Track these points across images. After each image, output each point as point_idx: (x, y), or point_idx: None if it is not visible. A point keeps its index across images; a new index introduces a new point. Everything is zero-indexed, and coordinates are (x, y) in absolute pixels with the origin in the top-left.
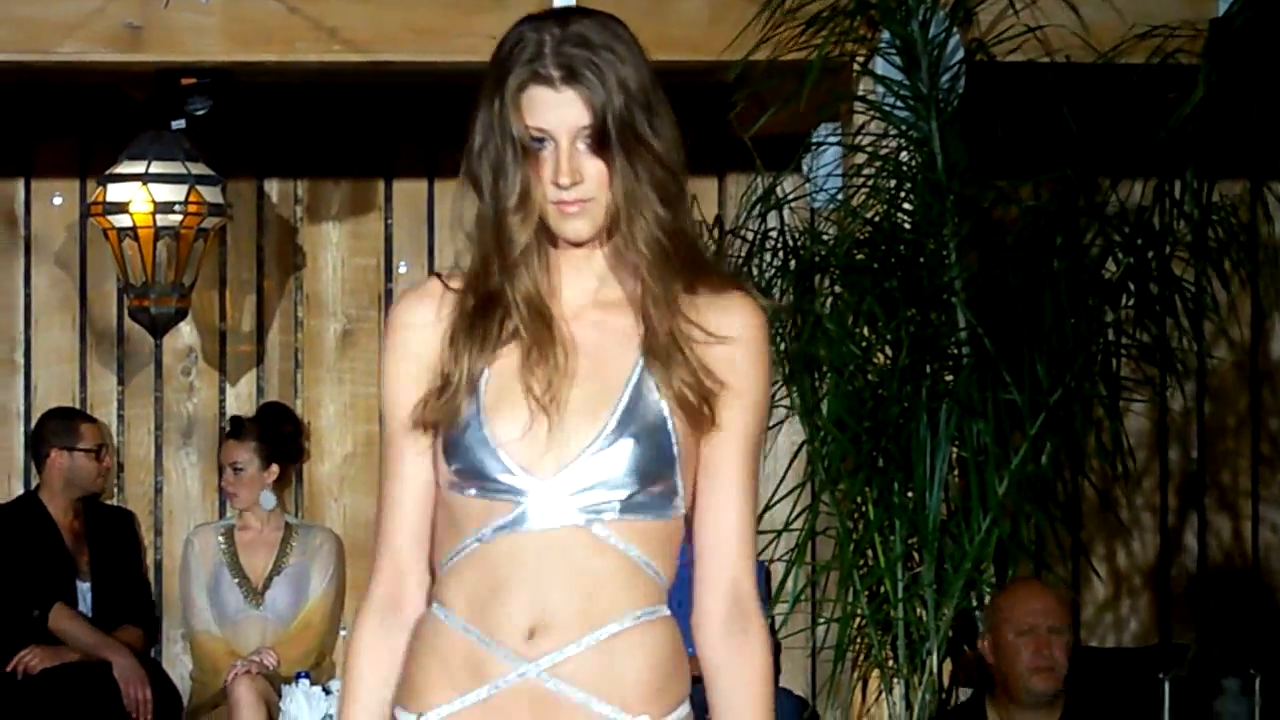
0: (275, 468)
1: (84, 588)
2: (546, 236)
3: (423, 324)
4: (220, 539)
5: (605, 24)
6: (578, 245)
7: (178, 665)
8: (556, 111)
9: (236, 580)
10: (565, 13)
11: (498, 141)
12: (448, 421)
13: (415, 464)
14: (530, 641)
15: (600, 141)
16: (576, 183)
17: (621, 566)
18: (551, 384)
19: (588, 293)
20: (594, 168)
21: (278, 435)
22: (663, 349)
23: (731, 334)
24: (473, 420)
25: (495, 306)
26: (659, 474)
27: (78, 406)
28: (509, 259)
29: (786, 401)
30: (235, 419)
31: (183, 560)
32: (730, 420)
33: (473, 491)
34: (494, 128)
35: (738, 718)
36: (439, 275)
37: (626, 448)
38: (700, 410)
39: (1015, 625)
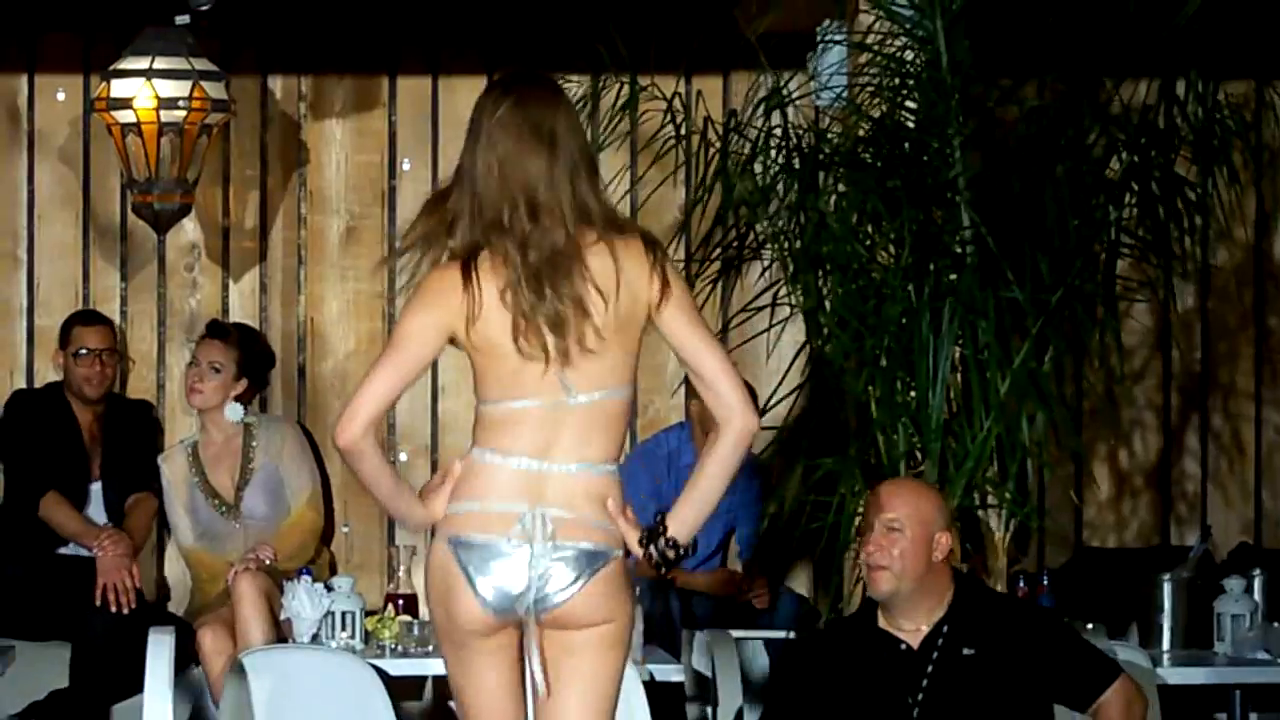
0: (245, 381)
1: (96, 488)
2: None
3: None
4: (188, 458)
5: None
6: None
7: (178, 566)
8: None
9: (209, 499)
10: None
11: None
12: None
13: None
14: None
15: None
16: None
17: None
18: None
19: None
20: None
21: (253, 351)
22: None
23: None
24: None
25: None
26: None
27: (81, 303)
28: None
29: (790, 300)
30: (218, 322)
31: (160, 485)
32: None
33: None
34: None
35: None
36: None
37: None
38: None
39: (864, 524)
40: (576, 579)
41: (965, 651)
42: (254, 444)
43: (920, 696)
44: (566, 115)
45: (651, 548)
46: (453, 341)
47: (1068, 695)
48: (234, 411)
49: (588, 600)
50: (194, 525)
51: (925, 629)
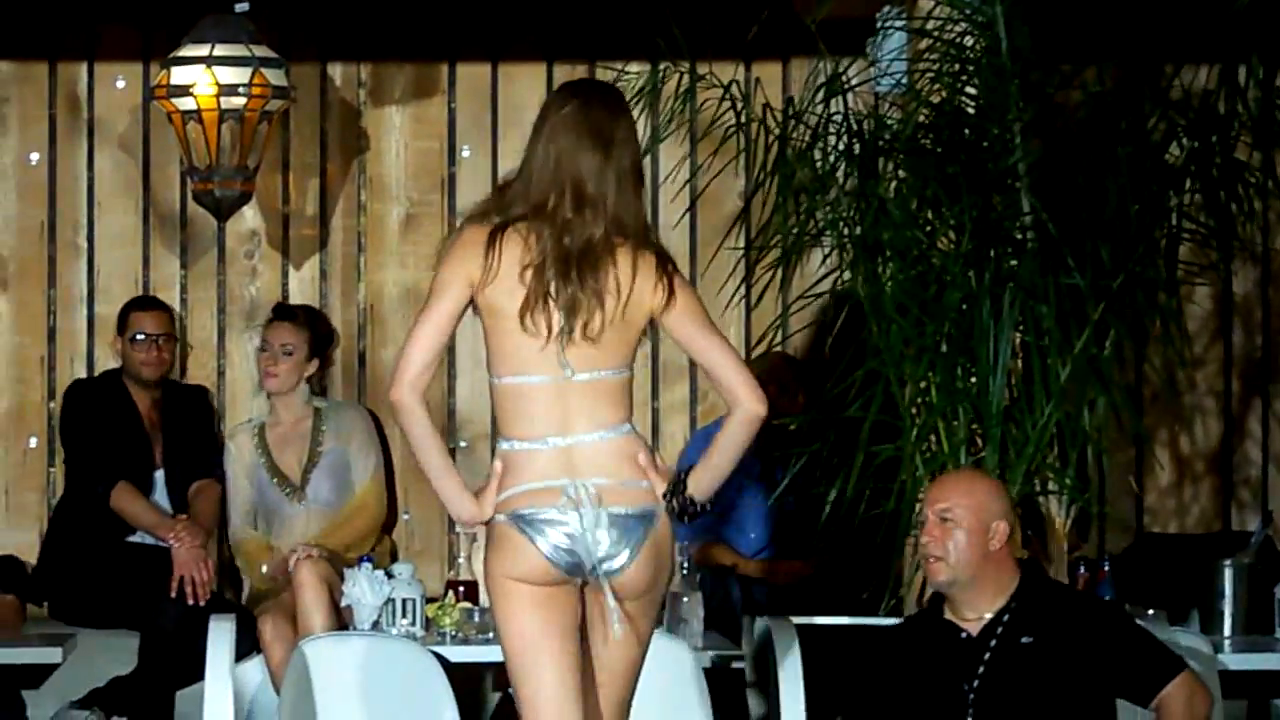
0: (316, 361)
1: (159, 476)
2: None
3: None
4: (254, 439)
5: None
6: None
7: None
8: None
9: (275, 480)
10: None
11: None
12: None
13: None
14: None
15: None
16: None
17: None
18: None
19: None
20: None
21: (319, 331)
22: None
23: None
24: None
25: None
26: None
27: (141, 291)
28: None
29: (850, 287)
30: (285, 305)
31: (222, 472)
32: None
33: None
34: None
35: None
36: None
37: None
38: None
39: (919, 517)
40: (629, 548)
41: (1024, 640)
42: (323, 428)
43: (976, 684)
44: (626, 126)
45: (673, 500)
46: (472, 306)
47: (1129, 688)
48: (302, 390)
49: (640, 572)
50: (258, 506)
51: (987, 617)
